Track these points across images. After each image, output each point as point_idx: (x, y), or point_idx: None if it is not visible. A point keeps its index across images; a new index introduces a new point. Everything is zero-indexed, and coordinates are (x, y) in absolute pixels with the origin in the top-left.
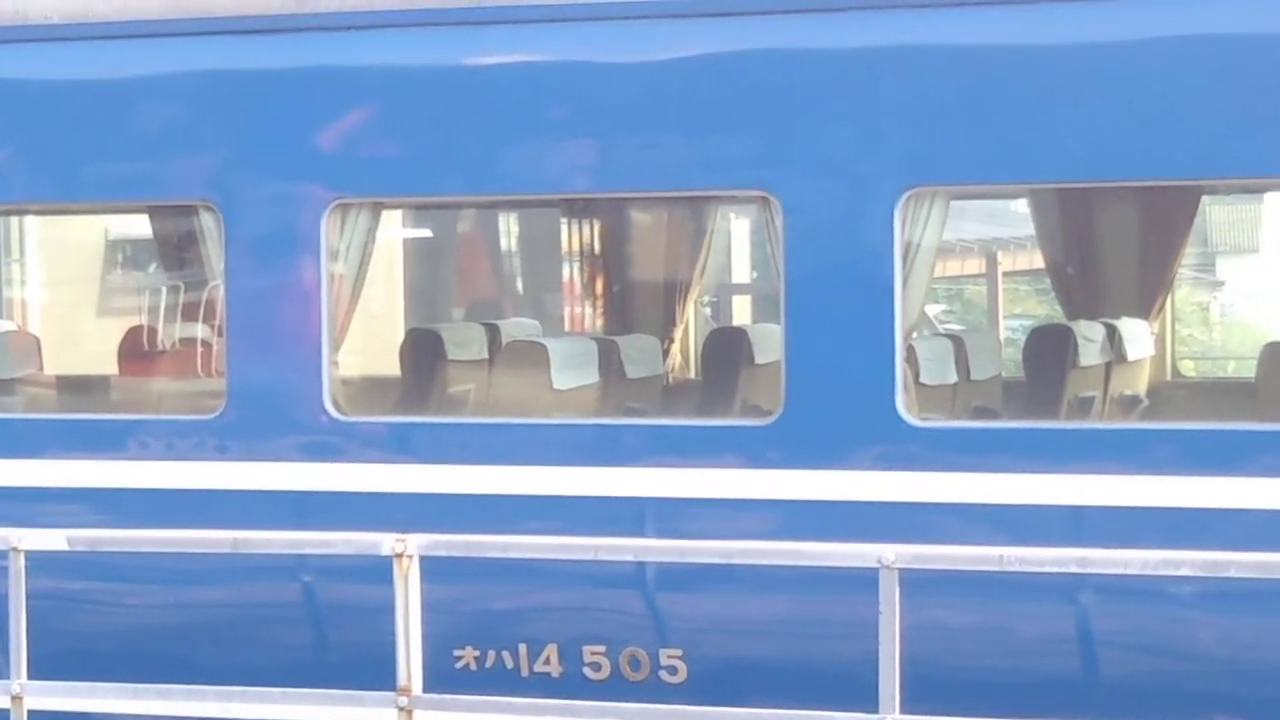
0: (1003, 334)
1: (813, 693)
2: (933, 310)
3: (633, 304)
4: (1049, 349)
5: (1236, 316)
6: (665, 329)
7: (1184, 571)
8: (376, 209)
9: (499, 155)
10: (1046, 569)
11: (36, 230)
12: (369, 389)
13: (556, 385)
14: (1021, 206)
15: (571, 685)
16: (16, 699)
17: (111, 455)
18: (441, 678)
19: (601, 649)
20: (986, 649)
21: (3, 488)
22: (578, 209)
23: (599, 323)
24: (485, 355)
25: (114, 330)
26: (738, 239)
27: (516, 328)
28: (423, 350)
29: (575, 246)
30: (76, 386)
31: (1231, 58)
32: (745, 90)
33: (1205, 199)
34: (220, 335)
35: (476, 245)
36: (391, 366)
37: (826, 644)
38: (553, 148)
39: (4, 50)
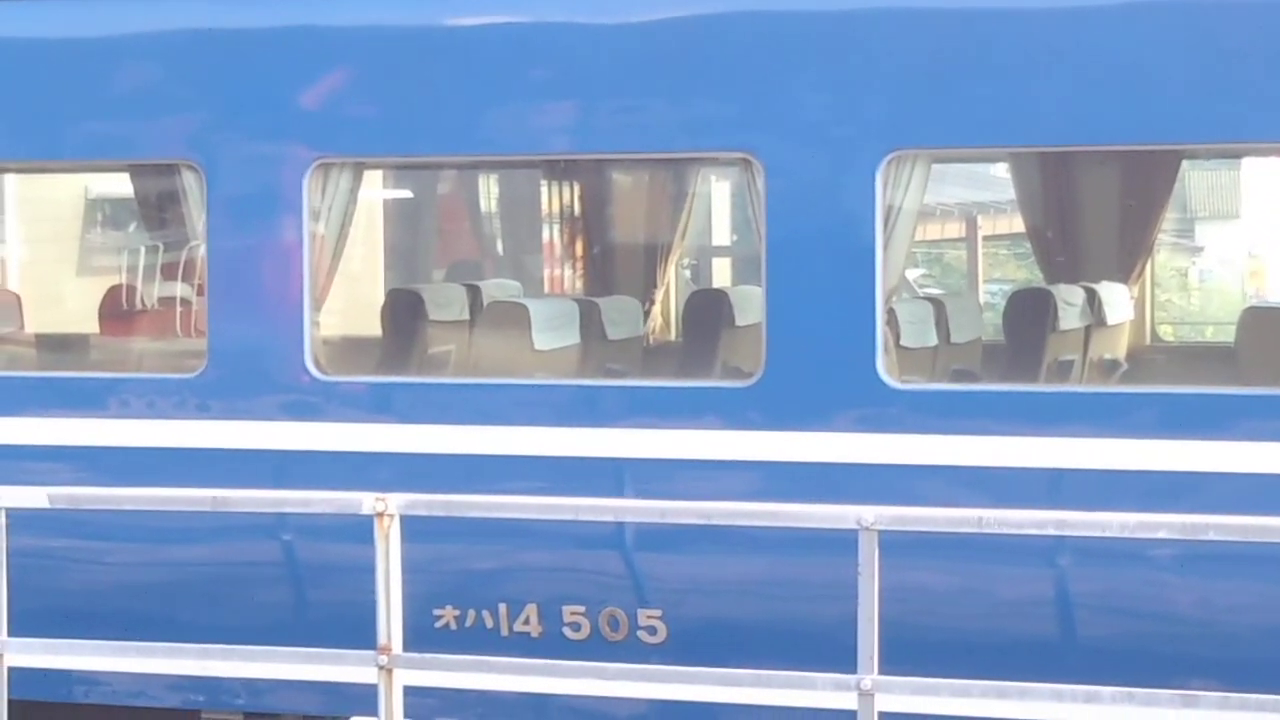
0: (982, 298)
1: (791, 653)
2: (912, 274)
3: (614, 265)
4: (1029, 313)
5: (1215, 282)
6: (646, 291)
7: (1162, 534)
8: (358, 169)
9: (480, 116)
10: (1025, 531)
11: (16, 188)
12: (350, 349)
13: (537, 346)
14: (1002, 171)
15: (551, 645)
16: None
17: (92, 413)
18: (421, 637)
19: (581, 609)
20: (965, 610)
21: None
22: (559, 170)
23: (580, 284)
24: (466, 316)
25: (94, 289)
26: (719, 201)
27: (498, 289)
28: (404, 311)
29: (556, 208)
30: (57, 345)
31: (1209, 22)
32: (727, 52)
33: (1185, 164)
34: (201, 294)
35: (457, 206)
36: (373, 327)
37: (805, 605)
38: (534, 108)
39: None
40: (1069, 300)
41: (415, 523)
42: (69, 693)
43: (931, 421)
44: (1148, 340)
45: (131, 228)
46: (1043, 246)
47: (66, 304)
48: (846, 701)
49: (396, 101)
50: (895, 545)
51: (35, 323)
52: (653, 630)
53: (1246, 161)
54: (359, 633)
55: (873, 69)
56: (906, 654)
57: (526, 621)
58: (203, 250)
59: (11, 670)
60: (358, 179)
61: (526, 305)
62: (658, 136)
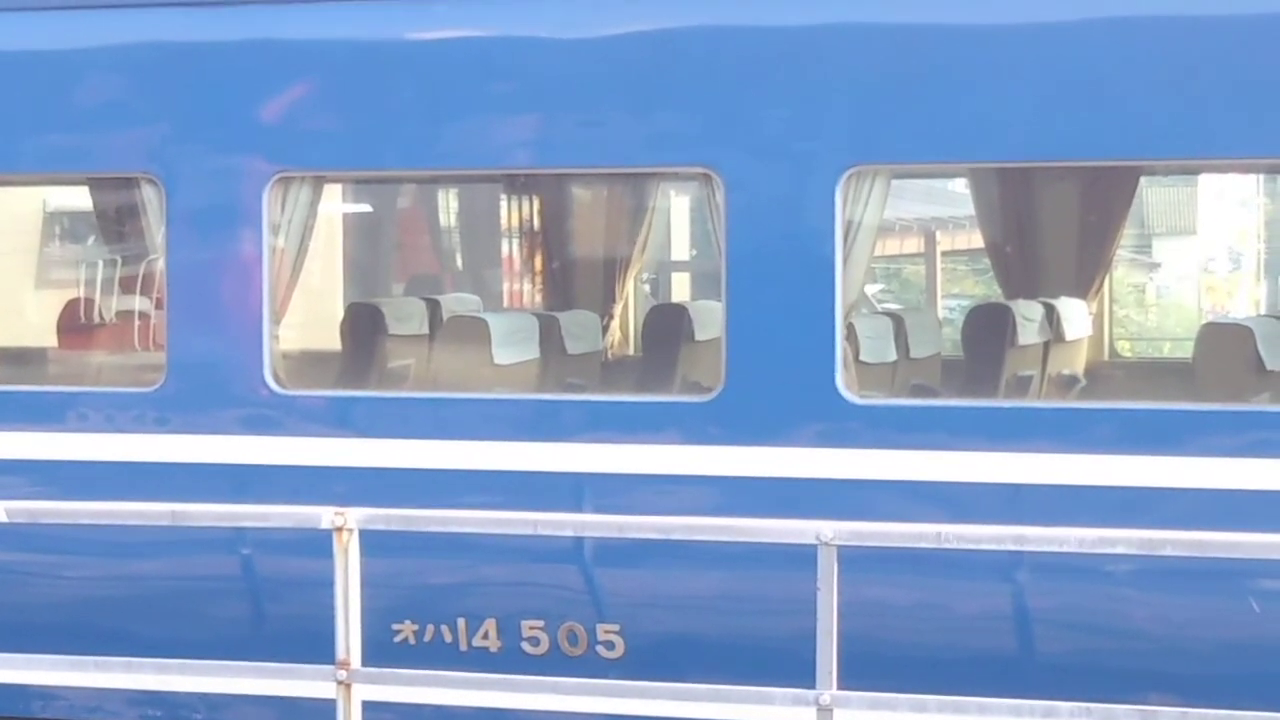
0: (941, 313)
1: (750, 669)
2: (871, 289)
3: (573, 280)
4: (988, 328)
5: (1172, 297)
6: (605, 305)
7: (1120, 550)
8: (318, 183)
9: (440, 130)
10: (984, 546)
11: None
12: (309, 363)
13: (497, 360)
14: (961, 186)
15: (510, 660)
16: None
17: (50, 427)
18: (380, 652)
19: (540, 624)
20: (923, 626)
21: None
22: (519, 184)
23: (539, 298)
24: (426, 330)
25: (53, 302)
26: (678, 216)
27: (457, 303)
28: (363, 325)
29: (516, 222)
30: (15, 358)
31: (1171, 39)
32: (687, 66)
33: (1143, 180)
34: (160, 308)
35: (417, 220)
36: (332, 340)
37: (764, 620)
38: (494, 123)
39: None
40: (1027, 316)
41: (374, 537)
42: (26, 707)
43: (891, 436)
44: (1106, 356)
45: (90, 241)
46: (1001, 262)
47: (24, 317)
48: (805, 716)
49: (356, 115)
50: (854, 560)
51: None
52: (611, 645)
53: (1203, 177)
54: (317, 647)
55: (832, 84)
56: (865, 669)
57: (485, 636)
58: (162, 264)
59: None
60: (317, 193)
61: (486, 320)
62: (617, 151)
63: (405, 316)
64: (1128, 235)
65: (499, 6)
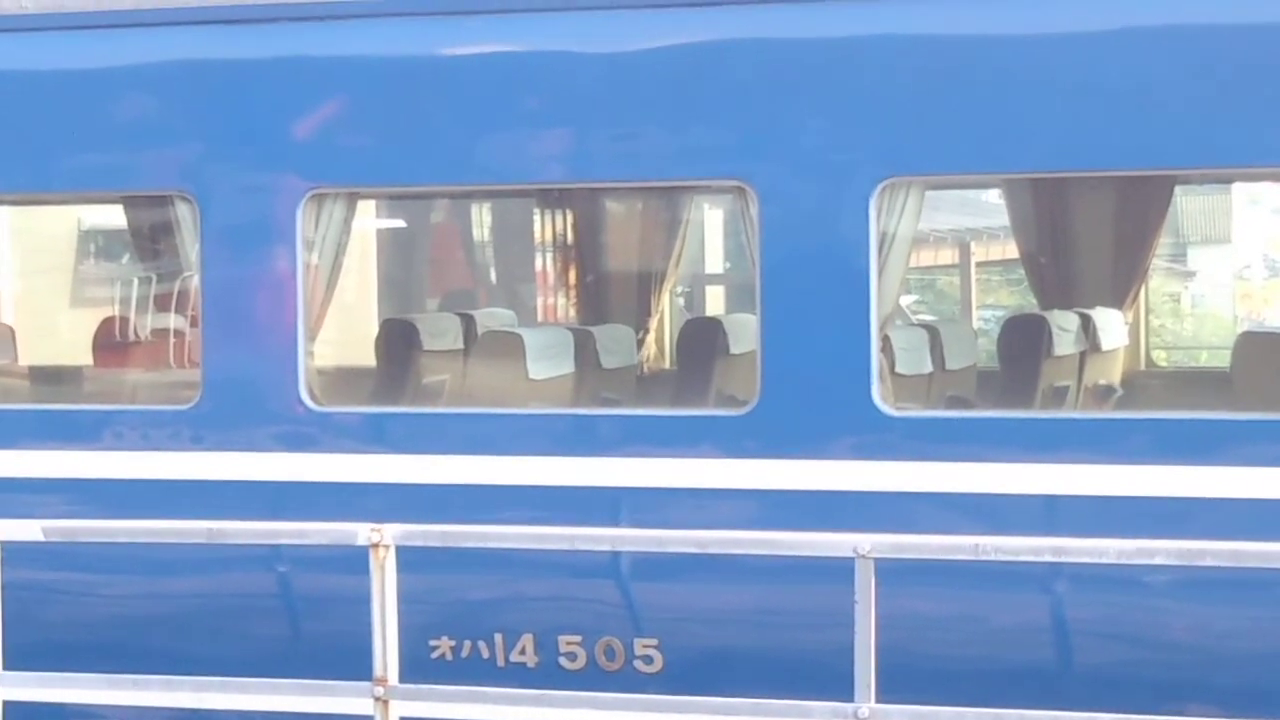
0: (976, 324)
1: (788, 682)
2: (906, 301)
3: (607, 294)
4: (1023, 339)
5: (1208, 306)
6: (640, 319)
7: (1159, 560)
8: (352, 199)
9: (474, 145)
10: (1022, 558)
11: (10, 221)
12: (344, 379)
13: (532, 375)
14: (995, 197)
15: (547, 675)
16: None
17: (87, 446)
18: (417, 668)
19: (577, 639)
20: (962, 638)
21: None
22: (552, 199)
23: (574, 313)
24: (460, 345)
25: (88, 321)
26: (712, 229)
27: (491, 318)
28: (398, 341)
29: (550, 236)
30: (51, 377)
31: (1200, 47)
32: (721, 80)
33: (1178, 189)
34: (195, 325)
35: (451, 235)
36: (367, 357)
37: (802, 633)
38: (528, 137)
39: None
40: (1063, 326)
41: (411, 553)
42: None
43: (927, 448)
44: (1142, 366)
45: (125, 259)
46: (1036, 272)
47: (60, 336)
48: None
49: (390, 131)
50: (892, 573)
51: (29, 355)
52: (649, 660)
53: (1237, 186)
54: (355, 664)
55: (866, 96)
56: (904, 682)
57: (523, 652)
58: (196, 281)
59: (7, 704)
60: (351, 209)
61: (521, 335)
62: (651, 165)
63: (440, 332)
64: (1163, 244)
65: (531, 22)
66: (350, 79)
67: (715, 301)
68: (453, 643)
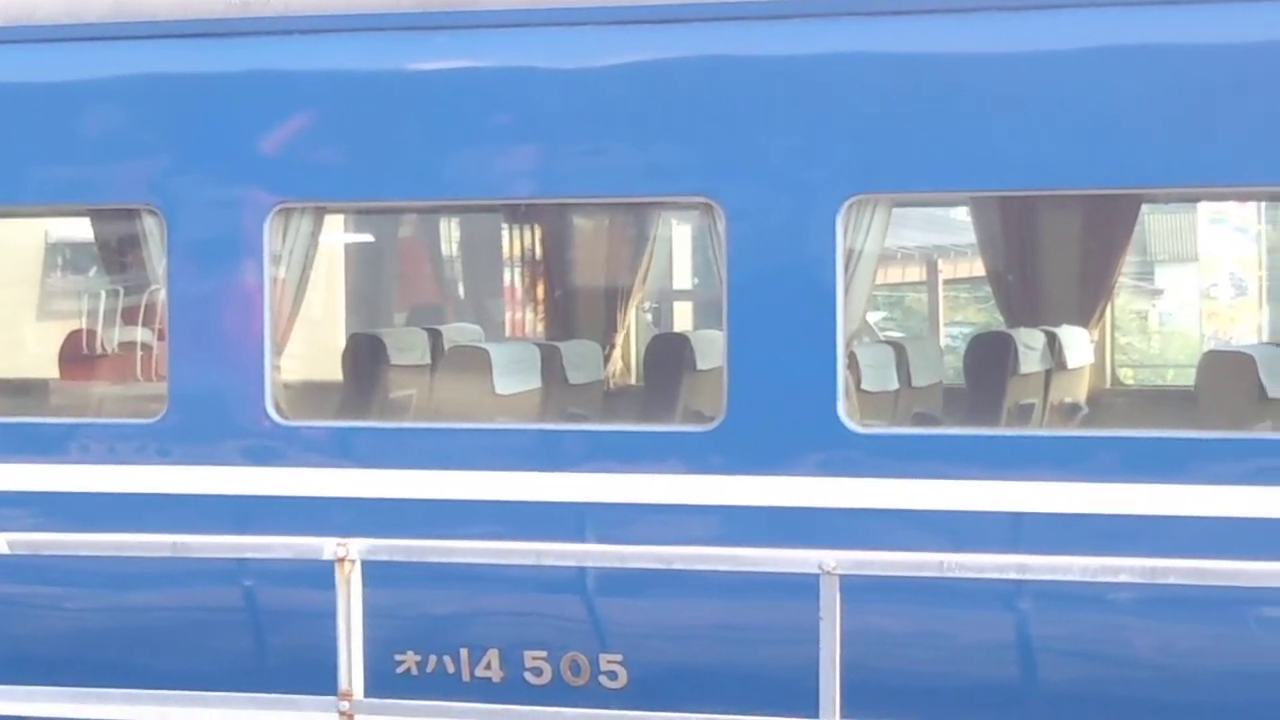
0: (943, 341)
1: (753, 698)
2: (873, 318)
3: (575, 309)
4: (990, 356)
5: (1175, 325)
6: (607, 335)
7: (1123, 578)
8: (319, 213)
9: (442, 160)
10: (987, 575)
11: None
12: (311, 393)
13: (499, 390)
14: (962, 214)
15: (513, 690)
16: None
17: (52, 459)
18: (383, 682)
19: (543, 654)
20: (927, 655)
21: None
22: (520, 214)
23: (541, 328)
24: (427, 360)
25: (55, 334)
26: (679, 245)
27: (459, 333)
28: (365, 355)
29: (517, 252)
30: (16, 390)
31: (1167, 67)
32: (689, 97)
33: (1145, 208)
34: (162, 339)
35: (419, 250)
36: (334, 371)
37: (767, 649)
38: (495, 153)
39: None
40: (1029, 344)
41: (376, 568)
42: None
43: (893, 465)
44: (1108, 384)
45: (92, 272)
46: (1003, 290)
47: (26, 348)
48: None
49: (357, 146)
50: (857, 589)
51: None
52: (614, 675)
53: (1203, 205)
54: (320, 678)
55: (832, 114)
56: (868, 698)
57: (488, 666)
58: (163, 294)
59: None
60: (319, 223)
61: (487, 350)
62: (618, 181)
63: (407, 347)
64: (1129, 262)
65: (498, 37)
66: (318, 93)
67: (683, 317)
68: (418, 657)
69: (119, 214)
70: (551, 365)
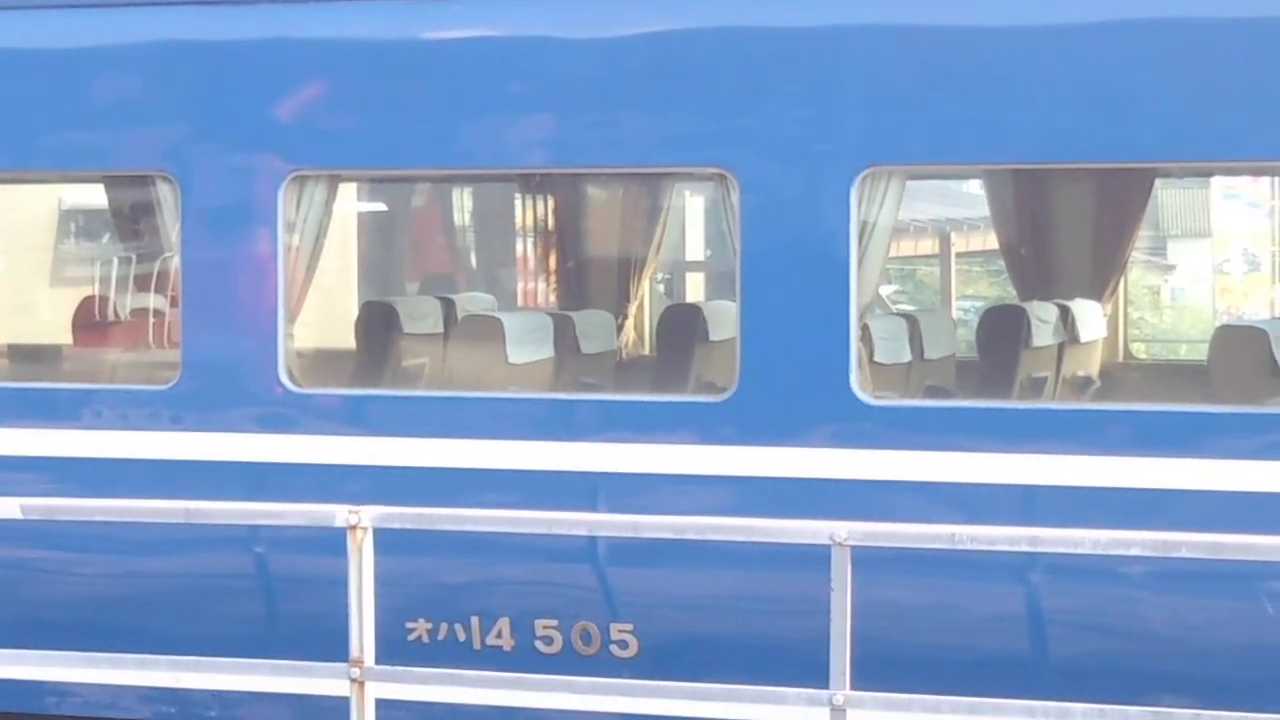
0: (955, 314)
1: (763, 669)
2: (886, 290)
3: (588, 279)
4: (1002, 329)
5: (1187, 299)
6: (620, 305)
7: (1134, 551)
8: (333, 181)
9: (456, 129)
10: (998, 547)
11: None
12: (324, 361)
13: (511, 360)
14: (976, 188)
15: (523, 659)
16: None
17: (66, 425)
18: (394, 650)
19: (554, 623)
20: (937, 626)
21: None
22: (534, 184)
23: (554, 298)
24: (440, 329)
25: (68, 300)
26: (693, 216)
27: (471, 302)
28: (378, 323)
29: (531, 221)
30: (30, 355)
31: (1182, 41)
32: (703, 67)
33: (1157, 182)
34: (175, 306)
35: (432, 219)
36: (347, 339)
37: (778, 620)
38: (509, 122)
39: None
40: (1042, 317)
41: (388, 535)
42: (40, 704)
43: (905, 437)
44: (1120, 358)
45: (105, 239)
46: (1016, 263)
47: (40, 315)
48: (818, 717)
49: (372, 115)
50: (868, 560)
51: (8, 333)
52: (624, 644)
53: (1216, 180)
54: (331, 645)
55: (848, 85)
56: (879, 669)
57: (499, 635)
58: (177, 261)
59: None
60: (333, 191)
61: (500, 319)
62: (633, 151)
63: (420, 315)
64: (1142, 237)
65: (514, 6)
66: (333, 61)
67: (695, 288)
68: (429, 625)
69: (133, 180)
70: (564, 335)
